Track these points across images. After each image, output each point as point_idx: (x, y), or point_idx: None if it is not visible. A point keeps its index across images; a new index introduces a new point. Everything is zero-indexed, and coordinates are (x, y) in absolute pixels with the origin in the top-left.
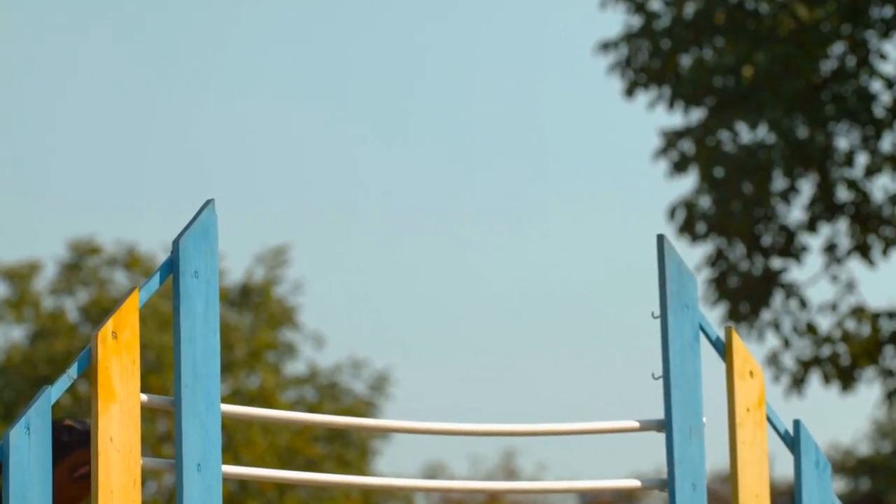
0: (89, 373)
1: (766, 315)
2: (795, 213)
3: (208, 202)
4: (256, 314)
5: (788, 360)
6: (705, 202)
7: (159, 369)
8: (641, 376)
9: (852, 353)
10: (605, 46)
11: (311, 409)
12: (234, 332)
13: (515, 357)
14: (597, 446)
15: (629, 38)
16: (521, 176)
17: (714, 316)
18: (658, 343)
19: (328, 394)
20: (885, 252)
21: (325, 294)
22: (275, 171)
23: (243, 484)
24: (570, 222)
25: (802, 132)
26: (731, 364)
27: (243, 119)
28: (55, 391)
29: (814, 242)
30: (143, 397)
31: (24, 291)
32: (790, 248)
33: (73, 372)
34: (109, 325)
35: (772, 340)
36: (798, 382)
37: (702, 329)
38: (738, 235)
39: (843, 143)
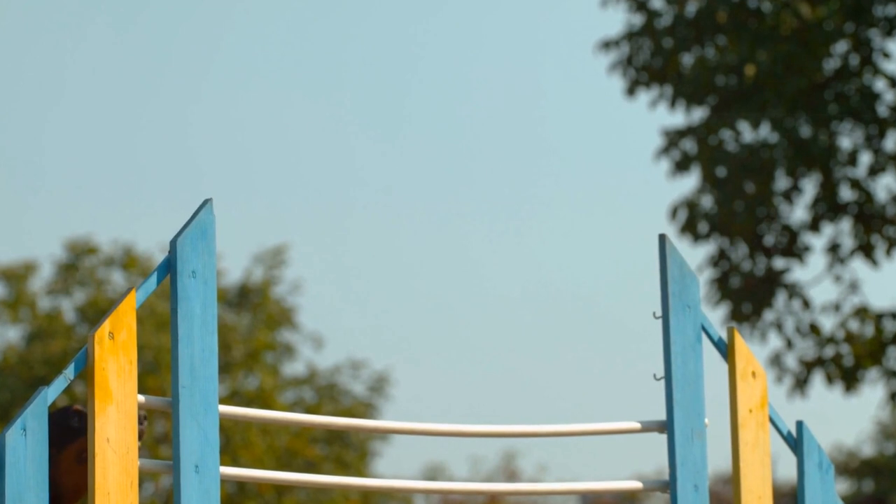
0: (86, 374)
1: (768, 315)
2: (798, 212)
3: (206, 202)
4: (255, 314)
5: (791, 361)
6: (707, 202)
7: (157, 370)
8: (643, 377)
9: (856, 354)
10: (607, 45)
11: (310, 411)
12: (232, 332)
13: (515, 357)
14: (598, 448)
15: (630, 36)
16: (521, 175)
17: (716, 316)
18: (660, 344)
19: (327, 395)
20: (888, 252)
21: (323, 294)
22: (273, 170)
23: (241, 486)
24: (570, 222)
25: (805, 131)
26: (733, 365)
27: (241, 118)
28: (51, 392)
29: (817, 242)
30: (141, 398)
31: (20, 292)
32: (793, 248)
33: (69, 373)
34: (106, 326)
35: (774, 341)
36: (801, 383)
37: (704, 330)
38: (740, 235)
39: (846, 142)
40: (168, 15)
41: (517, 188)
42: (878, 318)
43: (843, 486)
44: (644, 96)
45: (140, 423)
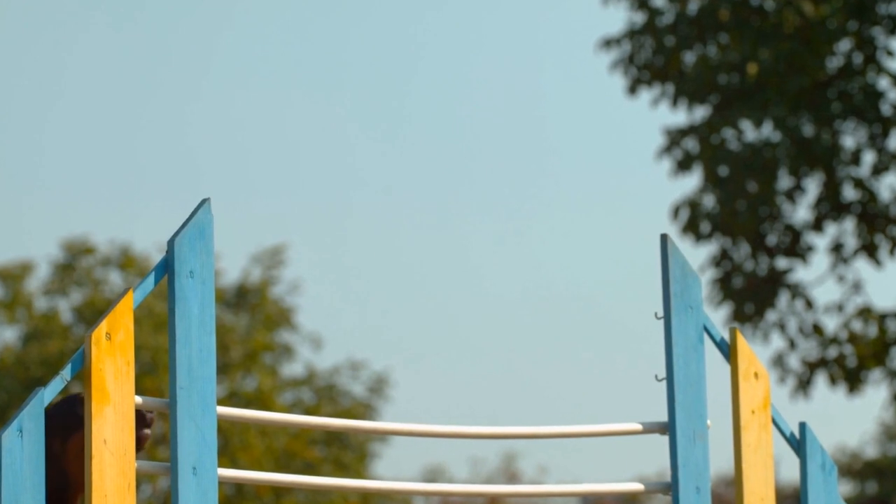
0: (83, 374)
1: (771, 316)
2: (801, 212)
3: (204, 201)
4: (253, 315)
5: (794, 362)
6: (709, 201)
7: (154, 371)
8: (644, 378)
9: (859, 355)
10: (608, 43)
11: (309, 412)
12: (230, 333)
13: (516, 358)
14: (599, 449)
15: (632, 34)
16: (521, 175)
17: (718, 317)
18: (661, 344)
19: (326, 396)
20: (892, 252)
21: (322, 295)
22: (271, 169)
23: (239, 488)
24: (571, 222)
25: (808, 130)
26: (735, 366)
27: (240, 117)
28: (48, 393)
29: (820, 242)
30: (138, 399)
31: (16, 292)
32: (796, 248)
33: (66, 374)
34: (103, 327)
35: (777, 341)
36: (804, 384)
37: (706, 330)
38: (742, 235)
39: (849, 141)
40: (167, 13)
41: (518, 188)
42: (882, 318)
43: (846, 487)
44: (646, 95)
45: (148, 426)
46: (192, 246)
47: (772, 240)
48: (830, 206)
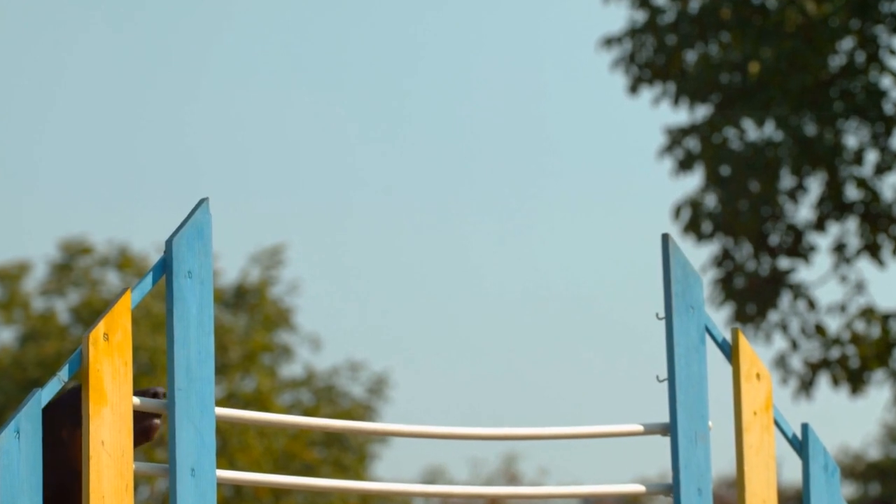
0: (80, 375)
1: (773, 316)
2: (803, 212)
3: (202, 201)
4: (252, 315)
5: (796, 363)
6: (711, 201)
7: (152, 372)
8: (645, 379)
9: (862, 356)
10: (609, 42)
11: (308, 413)
12: (228, 333)
13: (516, 359)
14: (600, 450)
15: (633, 33)
16: (522, 174)
17: (720, 317)
18: (663, 345)
19: (325, 397)
20: (895, 252)
21: (321, 295)
22: (270, 169)
23: (238, 489)
24: (572, 221)
25: (810, 129)
26: (737, 366)
27: (238, 116)
28: (45, 394)
29: (822, 242)
30: (136, 400)
31: (13, 292)
32: (798, 248)
33: (63, 375)
34: (101, 327)
35: (779, 342)
36: (806, 385)
37: (707, 331)
38: (744, 235)
39: (852, 140)
40: (165, 12)
41: (518, 187)
42: (885, 318)
43: (849, 489)
44: (647, 94)
45: (158, 415)
46: (191, 246)
47: (774, 240)
48: (833, 206)
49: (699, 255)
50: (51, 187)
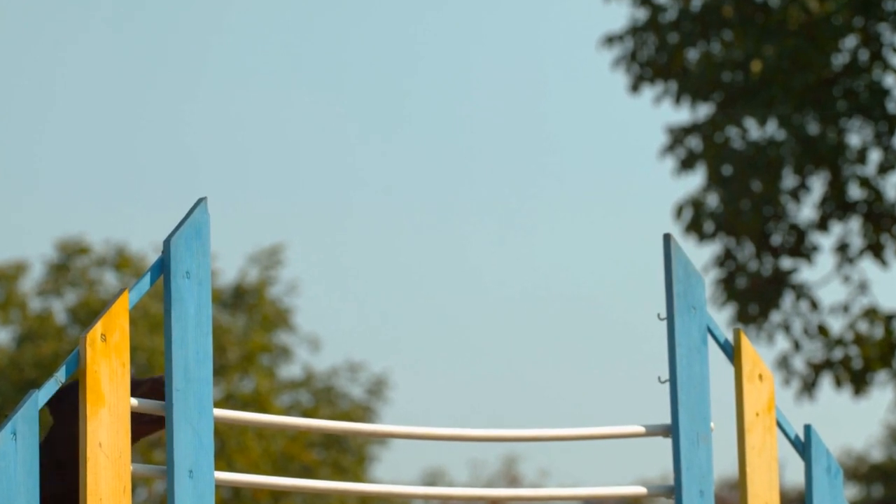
0: (78, 376)
1: (775, 317)
2: (806, 211)
3: (200, 201)
4: (250, 316)
5: (799, 363)
6: (713, 200)
7: (150, 373)
8: (647, 380)
9: (865, 356)
10: (610, 40)
11: (307, 414)
12: (227, 334)
13: (516, 360)
14: (601, 452)
15: (635, 31)
16: (522, 173)
17: (722, 318)
18: (664, 346)
19: (324, 398)
20: None
21: (320, 295)
22: (269, 168)
23: (236, 491)
24: (573, 221)
25: (813, 128)
26: (739, 367)
27: (237, 116)
28: (42, 395)
29: (825, 242)
30: (133, 401)
31: (10, 292)
32: (801, 248)
33: (60, 375)
34: (98, 328)
35: (782, 343)
36: (809, 386)
37: (709, 331)
38: (746, 235)
39: (855, 139)
40: (163, 13)
41: (518, 187)
42: (888, 319)
43: (851, 491)
44: (648, 92)
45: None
46: (189, 246)
47: (776, 239)
48: (836, 206)
49: (701, 255)
50: (48, 187)
